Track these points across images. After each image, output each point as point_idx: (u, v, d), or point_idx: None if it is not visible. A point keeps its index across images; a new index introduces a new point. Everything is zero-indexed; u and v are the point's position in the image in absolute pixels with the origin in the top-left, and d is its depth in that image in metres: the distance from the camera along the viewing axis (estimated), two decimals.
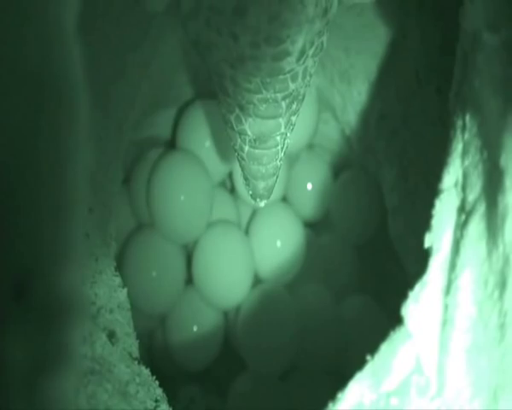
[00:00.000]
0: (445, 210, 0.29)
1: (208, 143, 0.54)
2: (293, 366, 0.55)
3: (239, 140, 0.36)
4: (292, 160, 0.58)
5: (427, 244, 0.29)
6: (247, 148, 0.36)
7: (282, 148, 0.36)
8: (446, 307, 0.27)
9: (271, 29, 0.30)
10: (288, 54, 0.31)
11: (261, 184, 0.37)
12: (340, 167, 0.60)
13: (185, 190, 0.51)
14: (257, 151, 0.36)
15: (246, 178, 0.38)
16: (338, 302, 0.56)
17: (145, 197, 0.52)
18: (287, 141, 0.36)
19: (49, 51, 0.19)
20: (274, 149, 0.36)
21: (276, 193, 0.56)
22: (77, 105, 0.19)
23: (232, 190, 0.59)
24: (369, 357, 0.28)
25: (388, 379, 0.27)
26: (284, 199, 0.59)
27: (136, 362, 0.33)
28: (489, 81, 0.28)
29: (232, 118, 0.35)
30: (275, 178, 0.38)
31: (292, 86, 0.33)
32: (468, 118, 0.29)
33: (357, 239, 0.59)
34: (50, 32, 0.19)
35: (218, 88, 0.35)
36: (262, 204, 0.39)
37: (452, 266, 0.27)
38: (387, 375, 0.27)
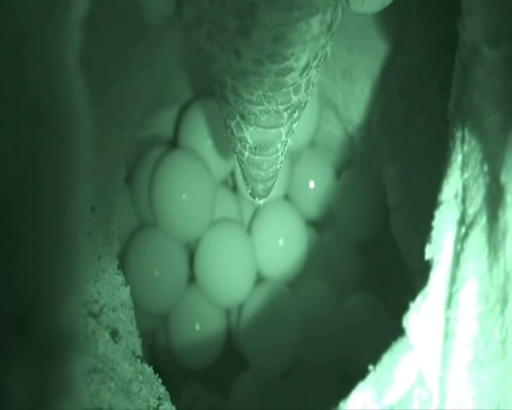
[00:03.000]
0: (445, 222, 0.29)
1: (210, 142, 0.54)
2: (295, 364, 0.55)
3: (239, 145, 0.36)
4: (294, 158, 0.58)
5: (427, 256, 0.29)
6: (247, 153, 0.35)
7: (282, 153, 0.36)
8: (448, 320, 0.27)
9: (275, 48, 0.29)
10: (291, 70, 0.31)
11: (260, 186, 0.37)
12: (343, 165, 0.60)
13: (187, 189, 0.51)
14: (257, 157, 0.35)
15: (245, 179, 0.38)
16: (340, 300, 0.56)
17: (147, 196, 0.52)
18: (287, 146, 0.36)
19: (51, 83, 0.19)
20: (274, 156, 0.35)
21: (279, 191, 0.56)
22: (78, 134, 0.19)
23: (234, 189, 0.59)
24: (371, 367, 0.28)
25: (391, 391, 0.27)
26: (286, 197, 0.59)
27: (139, 360, 0.33)
28: (489, 95, 0.27)
29: (233, 124, 0.35)
30: (274, 179, 0.38)
31: (294, 98, 0.33)
32: (467, 130, 0.29)
33: (359, 237, 0.59)
34: (52, 65, 0.19)
35: (219, 95, 0.34)
36: (261, 202, 0.39)
37: (453, 279, 0.27)
38: (390, 386, 0.27)
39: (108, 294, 0.34)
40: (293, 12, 0.29)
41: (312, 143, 0.60)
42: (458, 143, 0.29)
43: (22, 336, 0.18)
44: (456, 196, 0.29)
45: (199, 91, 0.56)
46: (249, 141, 0.35)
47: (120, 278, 0.37)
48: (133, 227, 0.53)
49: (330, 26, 0.31)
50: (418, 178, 0.46)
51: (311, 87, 0.33)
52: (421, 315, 0.27)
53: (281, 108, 0.33)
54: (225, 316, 0.56)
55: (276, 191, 0.41)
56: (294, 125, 0.35)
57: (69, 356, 0.19)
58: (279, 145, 0.35)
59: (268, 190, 0.38)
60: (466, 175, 0.28)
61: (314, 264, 0.57)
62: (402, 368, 0.27)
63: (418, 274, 0.46)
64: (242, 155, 0.36)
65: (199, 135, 0.54)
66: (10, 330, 0.18)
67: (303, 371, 0.55)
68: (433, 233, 0.29)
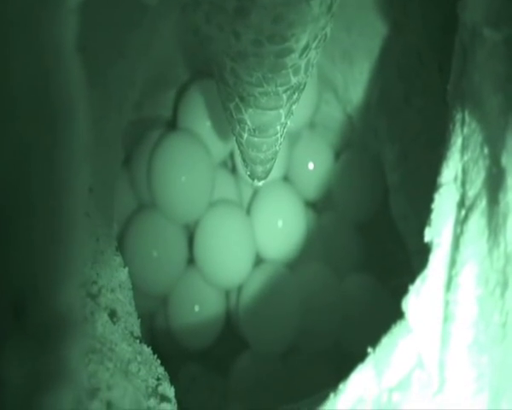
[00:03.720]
0: (444, 204, 0.28)
1: (209, 123, 0.54)
2: (294, 346, 0.55)
3: (238, 127, 0.35)
4: (293, 139, 0.58)
5: (427, 239, 0.29)
6: (245, 135, 0.35)
7: (281, 135, 0.36)
8: (447, 303, 0.27)
9: (275, 29, 0.29)
10: (291, 51, 0.30)
11: (259, 168, 0.37)
12: (342, 147, 0.60)
13: (186, 171, 0.51)
14: (256, 139, 0.35)
15: (244, 161, 0.38)
16: (339, 281, 0.56)
17: (146, 178, 0.52)
18: (286, 128, 0.36)
19: (48, 67, 0.19)
20: (273, 138, 0.35)
21: (278, 172, 0.56)
22: (75, 116, 0.19)
23: (233, 170, 0.59)
24: (370, 349, 0.28)
25: (390, 373, 0.27)
26: (285, 178, 0.59)
27: (137, 341, 0.33)
28: (489, 77, 0.27)
29: (232, 106, 0.34)
30: (273, 161, 0.38)
31: (294, 80, 0.32)
32: (467, 112, 0.29)
33: (358, 218, 0.59)
34: (48, 50, 0.19)
35: (217, 77, 0.34)
36: (260, 184, 0.39)
37: (452, 262, 0.27)
38: (389, 368, 0.27)
39: (107, 275, 0.34)
40: None
41: (311, 125, 0.59)
42: (458, 125, 0.29)
43: (19, 323, 0.18)
44: (455, 179, 0.29)
45: (197, 73, 0.55)
46: (248, 123, 0.34)
47: (119, 259, 0.37)
48: (132, 209, 0.54)
49: (330, 7, 0.31)
50: (417, 159, 0.46)
51: (310, 68, 0.33)
52: (421, 298, 0.27)
53: (280, 89, 0.33)
54: (224, 297, 0.56)
55: (275, 173, 0.41)
56: (294, 107, 0.35)
57: (66, 342, 0.19)
58: (278, 127, 0.35)
59: (267, 172, 0.38)
60: (466, 158, 0.28)
61: (313, 245, 0.57)
62: (401, 351, 0.27)
63: (417, 255, 0.46)
64: (241, 136, 0.36)
65: (198, 116, 0.53)
66: (7, 317, 0.18)
67: (302, 352, 0.56)
68: (433, 216, 0.29)
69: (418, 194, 0.46)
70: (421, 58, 0.45)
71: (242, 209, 0.57)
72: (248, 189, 0.57)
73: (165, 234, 0.52)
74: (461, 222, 0.27)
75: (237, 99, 0.34)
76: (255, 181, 0.38)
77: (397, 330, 0.27)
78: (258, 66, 0.31)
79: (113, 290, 0.34)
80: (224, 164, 0.59)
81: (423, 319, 0.27)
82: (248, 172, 0.38)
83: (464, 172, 0.28)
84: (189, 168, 0.51)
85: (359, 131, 0.56)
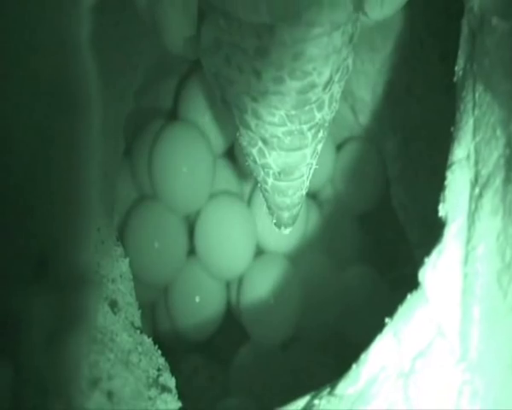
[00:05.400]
0: (457, 181, 0.28)
1: (210, 114, 0.53)
2: (294, 336, 0.55)
3: (262, 173, 0.34)
4: None
5: (441, 213, 0.29)
6: (270, 181, 0.34)
7: (307, 177, 0.35)
8: (466, 275, 0.27)
9: (296, 65, 0.29)
10: (314, 86, 0.30)
11: (286, 214, 0.36)
12: (343, 137, 0.59)
13: (187, 162, 0.51)
14: (282, 183, 0.34)
15: (269, 208, 0.37)
16: (340, 272, 0.56)
17: (147, 168, 0.52)
18: (312, 169, 0.35)
19: (64, 60, 0.21)
20: (299, 180, 0.35)
21: None
22: (89, 105, 0.22)
23: (234, 162, 0.58)
24: (388, 320, 0.28)
25: (410, 341, 0.27)
26: None
27: (138, 331, 0.33)
28: (500, 63, 0.27)
29: (254, 152, 0.34)
30: (300, 206, 0.37)
31: (318, 116, 0.32)
32: (477, 94, 0.29)
33: (360, 210, 0.58)
34: (65, 42, 0.20)
35: (238, 121, 0.33)
36: (287, 232, 0.38)
37: (468, 237, 0.27)
38: (409, 336, 0.27)
39: (107, 265, 0.34)
40: (315, 28, 0.28)
41: None
42: (469, 106, 0.29)
43: (42, 277, 0.20)
44: (468, 158, 0.29)
45: (200, 63, 0.55)
46: (273, 166, 0.34)
47: (120, 250, 0.37)
48: (133, 199, 0.53)
49: (352, 37, 0.30)
50: (418, 148, 0.46)
51: (334, 104, 0.32)
52: (437, 271, 0.27)
53: (304, 127, 0.32)
54: (225, 288, 0.56)
55: None
56: (319, 147, 0.34)
57: (84, 293, 0.20)
58: (304, 168, 0.34)
59: (294, 218, 0.37)
60: (478, 138, 0.28)
61: (314, 236, 0.57)
62: (419, 320, 0.27)
63: (418, 246, 0.46)
64: (266, 182, 0.35)
65: (199, 107, 0.53)
66: (30, 271, 0.20)
67: (302, 343, 0.56)
68: (446, 192, 0.29)
69: (419, 184, 0.46)
70: (423, 46, 0.45)
71: (243, 201, 0.56)
72: (249, 180, 0.57)
73: (165, 225, 0.52)
74: (475, 199, 0.27)
75: (260, 142, 0.33)
76: (282, 229, 0.38)
77: (413, 300, 0.28)
78: (281, 103, 0.30)
79: (113, 281, 0.34)
80: (224, 155, 0.59)
81: (441, 290, 0.27)
82: (274, 220, 0.37)
83: (476, 152, 0.28)
84: (190, 159, 0.51)
85: (361, 122, 0.56)
